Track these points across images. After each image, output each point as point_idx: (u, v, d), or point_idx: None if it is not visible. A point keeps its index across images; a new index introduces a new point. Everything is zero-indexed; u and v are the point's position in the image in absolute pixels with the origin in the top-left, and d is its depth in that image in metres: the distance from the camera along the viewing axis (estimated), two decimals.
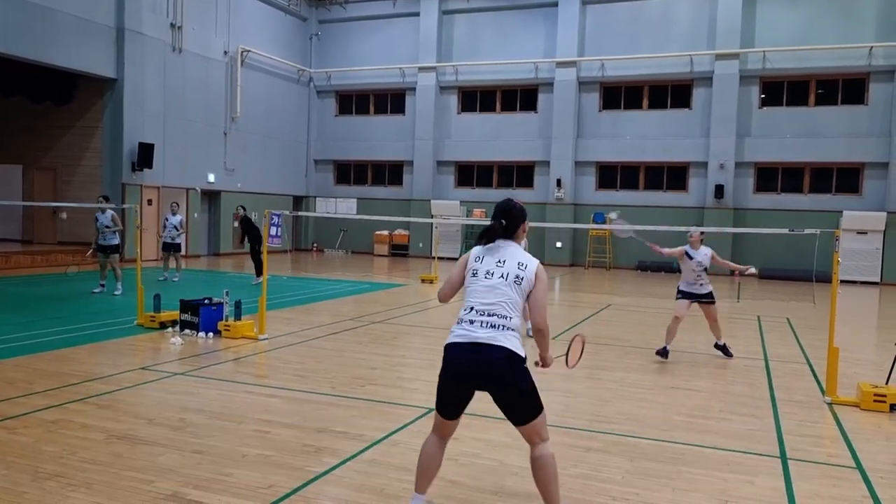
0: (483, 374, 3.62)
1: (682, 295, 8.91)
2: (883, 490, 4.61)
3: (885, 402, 6.51)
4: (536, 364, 3.90)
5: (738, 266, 9.28)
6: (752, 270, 9.05)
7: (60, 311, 10.95)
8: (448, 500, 4.21)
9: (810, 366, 8.66)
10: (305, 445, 5.08)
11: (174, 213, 15.68)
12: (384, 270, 21.43)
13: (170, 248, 15.57)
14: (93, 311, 11.17)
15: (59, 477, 4.36)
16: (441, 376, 3.75)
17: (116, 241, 13.41)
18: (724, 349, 9.04)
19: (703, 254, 8.84)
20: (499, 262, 3.76)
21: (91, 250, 13.79)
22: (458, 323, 3.75)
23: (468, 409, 6.10)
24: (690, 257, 8.83)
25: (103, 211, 13.31)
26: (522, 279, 3.72)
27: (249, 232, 16.08)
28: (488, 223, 3.88)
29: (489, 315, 3.66)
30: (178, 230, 15.51)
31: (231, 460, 4.73)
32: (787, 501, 4.38)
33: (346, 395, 6.55)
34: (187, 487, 4.26)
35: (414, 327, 10.46)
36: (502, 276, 3.72)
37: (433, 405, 6.20)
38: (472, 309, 3.71)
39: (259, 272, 15.47)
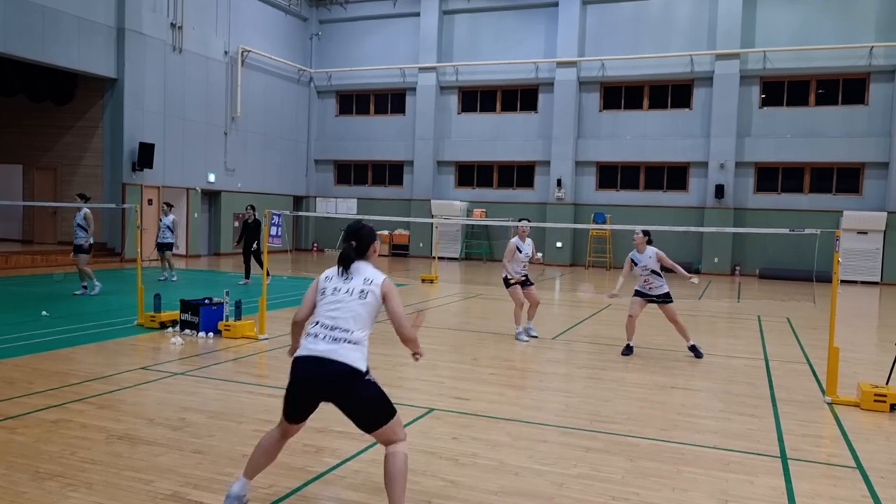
0: (325, 388, 3.74)
1: (636, 293, 9.08)
2: (883, 490, 4.61)
3: (885, 401, 6.51)
4: (415, 357, 4.21)
5: (683, 272, 8.92)
6: (694, 281, 9.04)
7: (60, 311, 10.95)
8: (448, 500, 4.21)
9: (810, 366, 8.65)
10: (305, 445, 5.08)
11: (166, 214, 15.72)
12: (384, 270, 21.36)
13: (163, 248, 15.63)
14: (93, 311, 11.17)
15: (59, 477, 4.36)
16: (288, 386, 3.86)
17: (82, 241, 12.87)
18: (694, 349, 8.93)
19: (648, 256, 8.87)
20: (346, 278, 3.91)
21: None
22: (305, 336, 3.87)
23: (472, 410, 6.14)
24: (635, 263, 8.96)
25: (80, 209, 13.09)
26: (367, 293, 3.84)
27: (252, 233, 15.86)
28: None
29: (332, 329, 3.78)
30: (171, 230, 15.56)
31: (231, 460, 4.73)
32: (788, 501, 4.38)
33: None
34: (187, 487, 4.26)
35: (413, 327, 10.45)
36: (348, 291, 3.86)
37: (433, 405, 6.25)
38: (317, 323, 3.85)
39: (248, 275, 15.68)
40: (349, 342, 3.75)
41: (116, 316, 10.60)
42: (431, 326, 10.64)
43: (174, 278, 15.55)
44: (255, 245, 15.60)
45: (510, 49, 25.69)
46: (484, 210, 26.05)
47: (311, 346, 3.77)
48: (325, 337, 3.77)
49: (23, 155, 21.37)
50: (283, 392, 6.51)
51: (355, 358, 3.73)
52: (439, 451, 5.05)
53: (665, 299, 8.94)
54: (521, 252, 9.88)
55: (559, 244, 25.00)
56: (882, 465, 5.08)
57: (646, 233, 9.01)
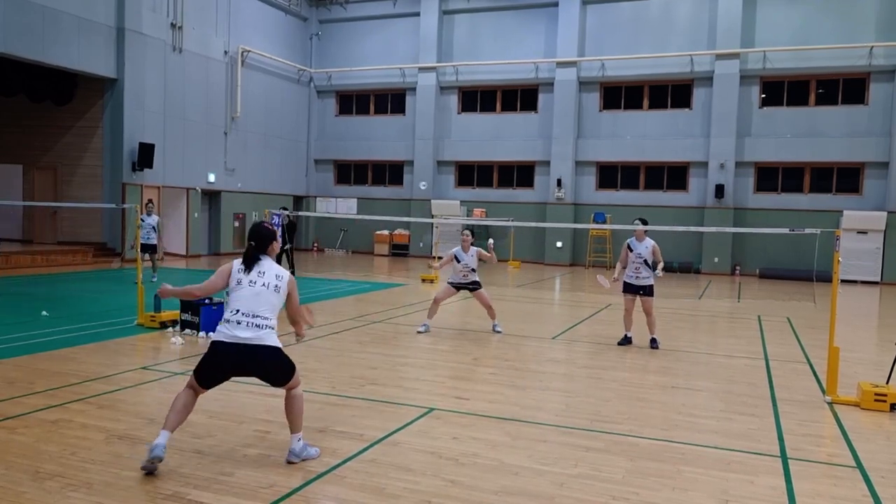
0: (249, 367, 4.57)
1: (626, 288, 9.53)
2: (883, 489, 4.61)
3: (885, 401, 6.51)
4: (298, 339, 5.16)
5: (659, 268, 9.39)
6: (659, 274, 9.47)
7: (60, 311, 10.95)
8: (448, 499, 4.21)
9: (811, 365, 8.65)
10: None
11: (150, 214, 15.53)
12: (384, 270, 21.43)
13: (147, 249, 15.38)
14: (93, 311, 11.17)
15: (59, 477, 4.36)
16: (207, 364, 4.58)
17: None
18: (652, 342, 9.46)
19: (644, 246, 9.39)
20: (259, 272, 4.65)
21: None
22: (225, 322, 4.56)
23: (472, 410, 6.14)
24: (631, 249, 9.46)
25: None
26: (280, 288, 4.67)
27: (288, 234, 16.46)
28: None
29: (254, 317, 4.53)
30: (155, 230, 15.42)
31: (231, 460, 4.73)
32: (788, 501, 4.38)
33: (346, 395, 6.55)
34: (187, 487, 4.26)
35: (414, 327, 10.46)
36: (264, 284, 4.62)
37: (433, 405, 6.25)
38: (238, 311, 4.54)
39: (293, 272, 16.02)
40: (269, 328, 4.56)
41: (116, 316, 10.60)
42: (432, 326, 10.64)
43: (153, 279, 15.29)
44: (288, 245, 16.02)
45: (510, 49, 25.68)
46: (484, 210, 26.05)
47: (236, 333, 4.48)
48: (248, 324, 4.50)
49: (23, 155, 21.36)
50: (283, 392, 6.54)
51: (275, 339, 4.60)
52: (439, 451, 5.05)
53: (648, 292, 9.43)
54: (459, 262, 10.16)
55: (559, 244, 25.00)
56: (882, 465, 5.08)
57: (645, 222, 9.56)
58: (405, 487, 4.36)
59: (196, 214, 23.07)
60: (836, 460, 5.20)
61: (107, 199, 19.82)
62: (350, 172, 28.97)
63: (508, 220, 21.98)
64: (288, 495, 4.20)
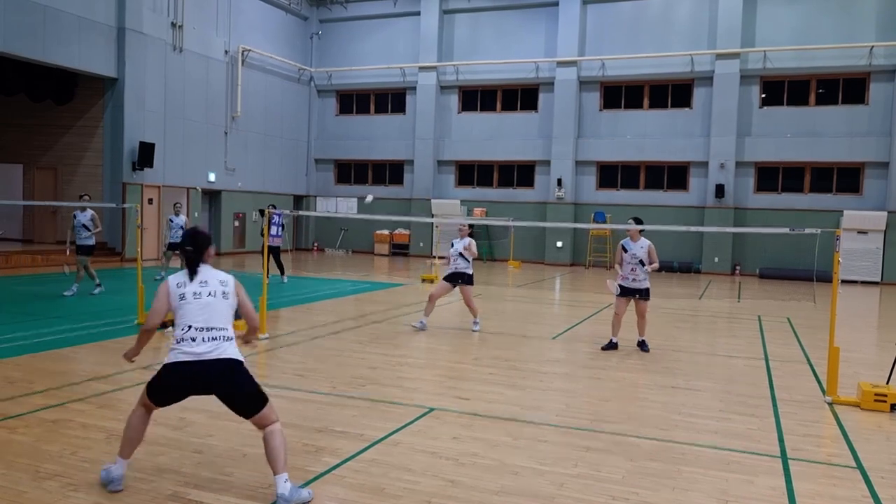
0: (210, 383, 4.13)
1: (621, 291, 9.16)
2: (883, 490, 4.61)
3: (885, 401, 6.51)
4: (247, 342, 4.64)
5: (653, 266, 9.00)
6: (649, 270, 9.06)
7: (60, 310, 10.95)
8: (448, 499, 4.22)
9: (811, 365, 8.66)
10: (305, 445, 5.09)
11: (178, 214, 15.69)
12: (384, 270, 21.43)
13: (176, 248, 15.58)
14: (93, 310, 11.18)
15: (59, 476, 4.37)
16: (164, 383, 4.16)
17: (93, 241, 13.12)
18: (642, 344, 9.26)
19: (640, 247, 9.02)
20: (201, 282, 4.23)
21: (69, 250, 13.35)
22: (179, 342, 4.13)
23: (472, 410, 6.14)
24: (626, 250, 9.09)
25: (83, 209, 13.23)
26: (227, 293, 4.27)
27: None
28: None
29: (208, 330, 4.15)
30: (183, 230, 15.57)
31: (231, 460, 4.74)
32: (788, 501, 4.38)
33: (346, 395, 6.56)
34: (187, 487, 4.26)
35: (414, 327, 10.46)
36: (211, 293, 4.21)
37: (433, 405, 6.25)
38: (190, 328, 4.13)
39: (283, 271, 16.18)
40: (226, 339, 4.19)
41: (116, 315, 10.60)
42: (432, 326, 10.64)
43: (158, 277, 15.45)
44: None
45: (510, 48, 25.68)
46: (484, 209, 26.05)
47: (191, 350, 4.09)
48: (204, 339, 4.12)
49: (23, 154, 21.36)
50: (283, 391, 6.55)
51: (234, 352, 4.20)
52: (439, 451, 5.05)
53: (645, 296, 9.15)
54: (452, 247, 10.49)
55: (559, 244, 24.99)
56: (882, 465, 5.08)
57: (639, 221, 9.19)
58: (405, 487, 4.37)
59: (196, 214, 23.06)
60: (836, 460, 5.20)
61: (107, 199, 19.81)
62: (350, 172, 28.96)
63: (508, 220, 21.98)
64: None
